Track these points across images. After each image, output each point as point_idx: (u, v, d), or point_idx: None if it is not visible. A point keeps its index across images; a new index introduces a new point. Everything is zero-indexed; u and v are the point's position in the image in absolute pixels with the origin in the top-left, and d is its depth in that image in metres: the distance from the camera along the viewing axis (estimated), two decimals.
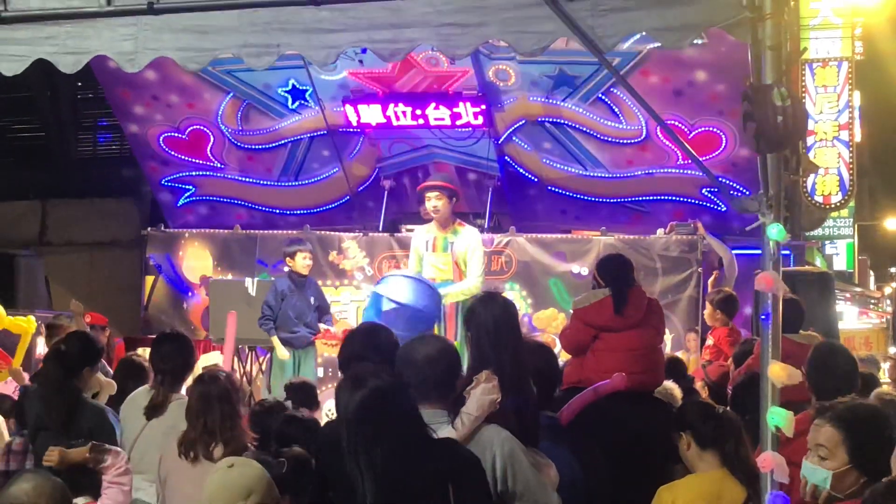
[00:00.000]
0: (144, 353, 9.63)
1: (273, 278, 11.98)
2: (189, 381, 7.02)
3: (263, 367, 11.58)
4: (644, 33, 6.02)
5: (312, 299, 11.22)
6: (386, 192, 14.31)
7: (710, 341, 10.37)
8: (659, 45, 6.56)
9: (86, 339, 7.19)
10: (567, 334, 7.60)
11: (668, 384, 7.91)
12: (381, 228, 13.87)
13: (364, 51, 8.00)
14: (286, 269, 11.41)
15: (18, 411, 7.29)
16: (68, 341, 7.05)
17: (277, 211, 15.31)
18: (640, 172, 13.88)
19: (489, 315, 4.78)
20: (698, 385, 9.15)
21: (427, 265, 10.56)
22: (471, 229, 10.69)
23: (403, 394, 4.00)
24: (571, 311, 7.67)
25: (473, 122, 13.55)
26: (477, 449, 4.32)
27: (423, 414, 4.33)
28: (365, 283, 13.26)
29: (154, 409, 6.58)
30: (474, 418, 4.35)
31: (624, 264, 7.51)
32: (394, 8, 6.03)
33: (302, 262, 11.14)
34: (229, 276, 13.60)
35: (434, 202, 10.41)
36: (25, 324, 10.49)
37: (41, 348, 11.13)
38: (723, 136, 12.98)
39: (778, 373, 5.08)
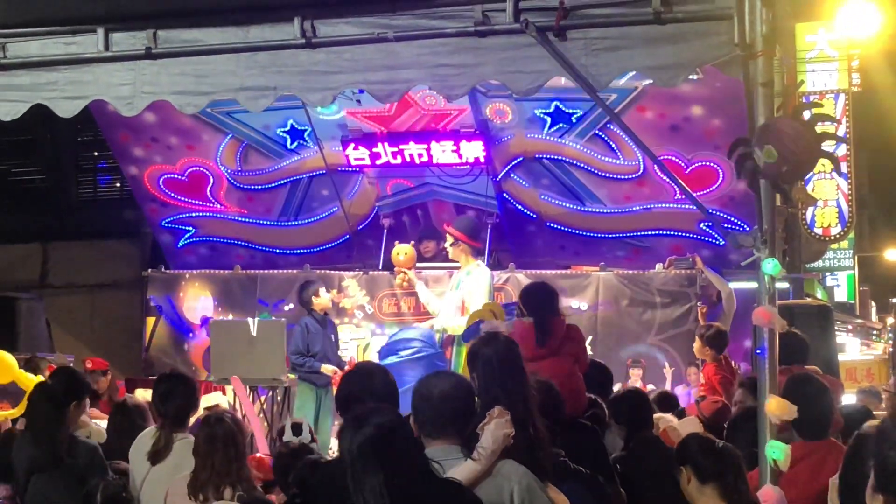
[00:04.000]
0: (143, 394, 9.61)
1: (275, 318, 12.06)
2: (193, 420, 7.03)
3: (265, 406, 11.57)
4: (637, 71, 6.09)
5: (333, 337, 11.59)
6: (385, 231, 14.34)
7: (701, 378, 10.39)
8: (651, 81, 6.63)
9: (71, 374, 7.19)
10: None
11: (667, 417, 7.92)
12: (380, 267, 13.88)
13: (362, 91, 8.06)
14: (304, 310, 11.62)
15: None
16: (54, 377, 7.05)
17: (278, 251, 15.32)
18: (638, 208, 13.91)
19: (493, 354, 4.81)
20: None
21: (447, 300, 11.19)
22: (481, 271, 10.88)
23: (407, 430, 4.00)
24: None
25: (471, 159, 13.60)
26: (495, 482, 4.36)
27: (438, 450, 4.37)
28: (365, 322, 13.30)
29: (157, 455, 6.54)
30: (491, 452, 4.37)
31: (548, 294, 7.50)
32: (389, 49, 6.10)
33: (326, 297, 11.55)
34: (230, 317, 13.61)
35: (445, 243, 10.84)
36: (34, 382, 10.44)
37: None
38: (720, 171, 13.02)
39: (775, 408, 5.10)
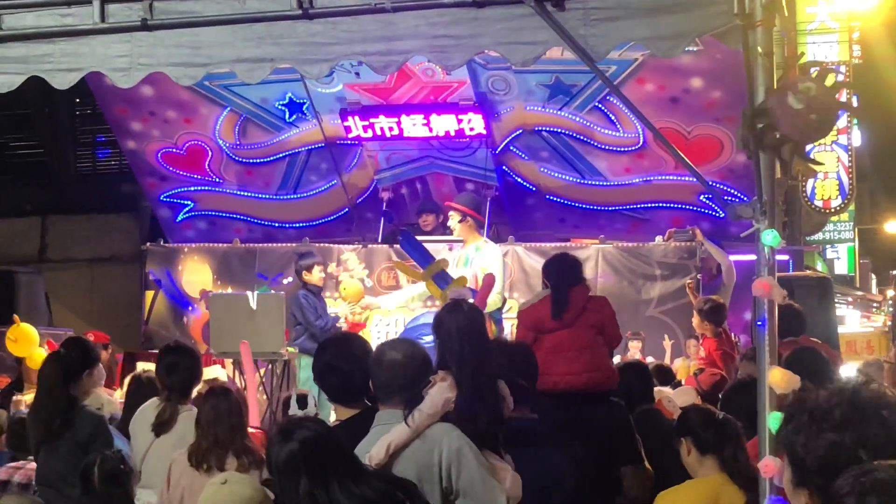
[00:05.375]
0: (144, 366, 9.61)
1: (274, 292, 12.01)
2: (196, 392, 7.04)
3: (265, 380, 11.55)
4: (636, 42, 6.04)
5: (328, 310, 11.40)
6: (384, 204, 14.32)
7: (701, 351, 10.38)
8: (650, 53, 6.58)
9: (83, 343, 7.19)
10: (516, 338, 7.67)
11: (667, 390, 7.93)
12: (379, 240, 13.87)
13: (360, 63, 8.01)
14: (297, 281, 11.54)
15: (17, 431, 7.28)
16: (67, 346, 7.05)
17: (276, 224, 15.31)
18: (637, 180, 13.89)
19: (453, 323, 4.83)
20: None
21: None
22: (491, 247, 10.80)
23: (331, 440, 4.05)
24: None
25: (470, 132, 13.56)
26: (425, 445, 4.44)
27: (385, 413, 4.58)
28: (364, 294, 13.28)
29: (161, 426, 6.55)
30: (426, 416, 4.45)
31: (565, 264, 7.48)
32: (387, 20, 6.04)
33: (318, 275, 11.34)
34: (229, 290, 13.60)
35: (450, 221, 10.75)
36: None
37: None
38: (720, 143, 12.98)
39: (778, 379, 5.08)
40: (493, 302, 10.02)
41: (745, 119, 5.17)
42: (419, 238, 12.55)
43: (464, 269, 10.76)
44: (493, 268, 10.44)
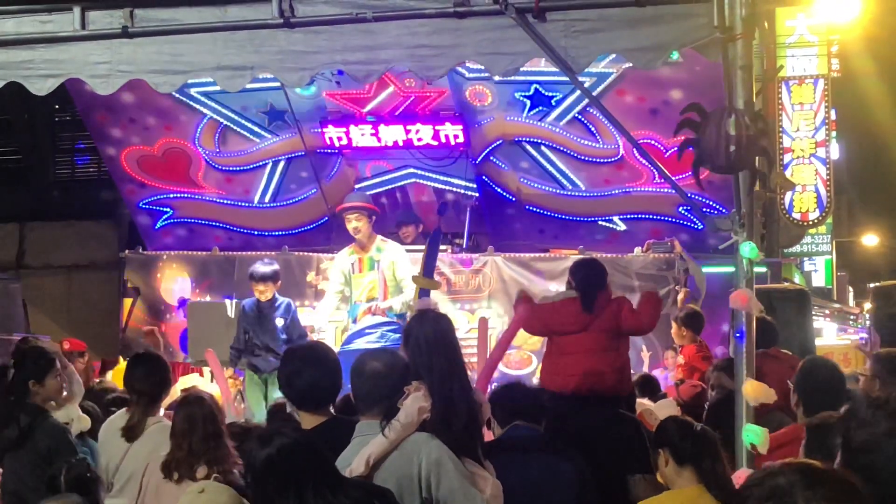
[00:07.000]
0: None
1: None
2: (168, 401, 7.02)
3: (242, 388, 11.51)
4: (616, 54, 6.08)
5: (281, 322, 10.85)
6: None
7: (680, 359, 10.40)
8: (631, 65, 6.62)
9: (31, 352, 7.12)
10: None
11: (648, 403, 7.94)
12: None
13: (341, 72, 8.02)
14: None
15: None
16: (13, 354, 7.02)
17: (256, 232, 15.27)
18: (617, 191, 13.91)
19: (421, 333, 4.86)
20: None
21: (355, 287, 10.97)
22: (394, 244, 10.83)
23: (309, 448, 4.07)
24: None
25: (451, 142, 13.58)
26: (403, 455, 4.45)
27: (365, 424, 4.60)
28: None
29: (131, 431, 6.51)
30: (402, 426, 4.45)
31: (595, 268, 7.56)
32: (368, 30, 6.07)
33: (259, 292, 10.85)
34: (207, 298, 13.55)
35: (354, 223, 10.67)
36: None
37: None
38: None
39: (751, 391, 5.11)
40: (405, 304, 10.16)
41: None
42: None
43: (371, 274, 10.73)
44: (408, 271, 10.48)
